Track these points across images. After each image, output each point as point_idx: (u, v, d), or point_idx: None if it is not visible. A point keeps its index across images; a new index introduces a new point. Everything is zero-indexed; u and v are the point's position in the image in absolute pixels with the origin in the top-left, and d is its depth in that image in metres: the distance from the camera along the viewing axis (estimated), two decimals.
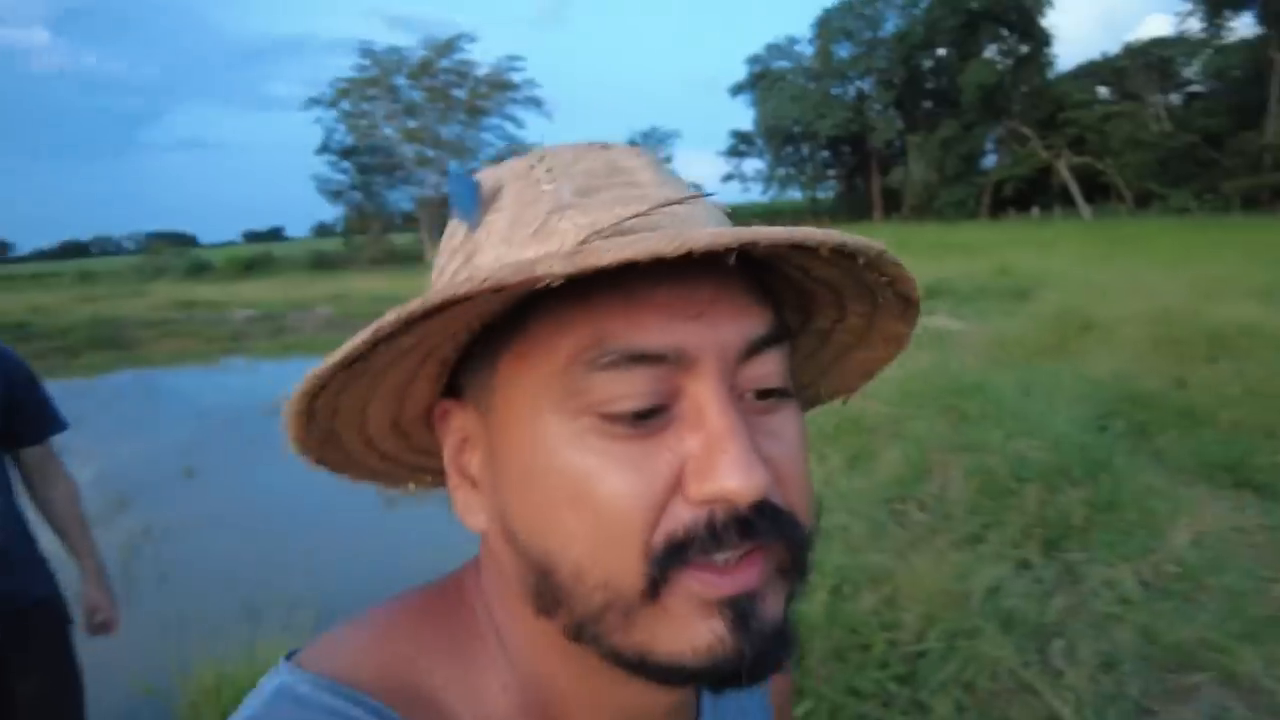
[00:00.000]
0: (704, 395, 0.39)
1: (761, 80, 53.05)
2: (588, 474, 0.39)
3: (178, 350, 15.69)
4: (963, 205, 43.27)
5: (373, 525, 5.78)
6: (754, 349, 0.41)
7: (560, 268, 0.34)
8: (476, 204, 0.45)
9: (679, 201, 0.43)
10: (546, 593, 0.41)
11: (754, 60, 53.98)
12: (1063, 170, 42.70)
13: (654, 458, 0.39)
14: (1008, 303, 9.98)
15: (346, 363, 0.38)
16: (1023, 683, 2.30)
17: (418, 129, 41.10)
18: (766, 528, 0.39)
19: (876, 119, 49.38)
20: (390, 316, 0.36)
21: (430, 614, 0.49)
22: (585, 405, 0.39)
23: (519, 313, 0.41)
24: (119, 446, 8.96)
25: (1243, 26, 39.50)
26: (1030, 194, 45.14)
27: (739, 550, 0.39)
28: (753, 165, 58.98)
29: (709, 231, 0.35)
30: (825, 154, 55.55)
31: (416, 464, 0.54)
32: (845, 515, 3.32)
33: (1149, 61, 41.31)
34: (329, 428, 0.46)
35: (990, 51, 45.96)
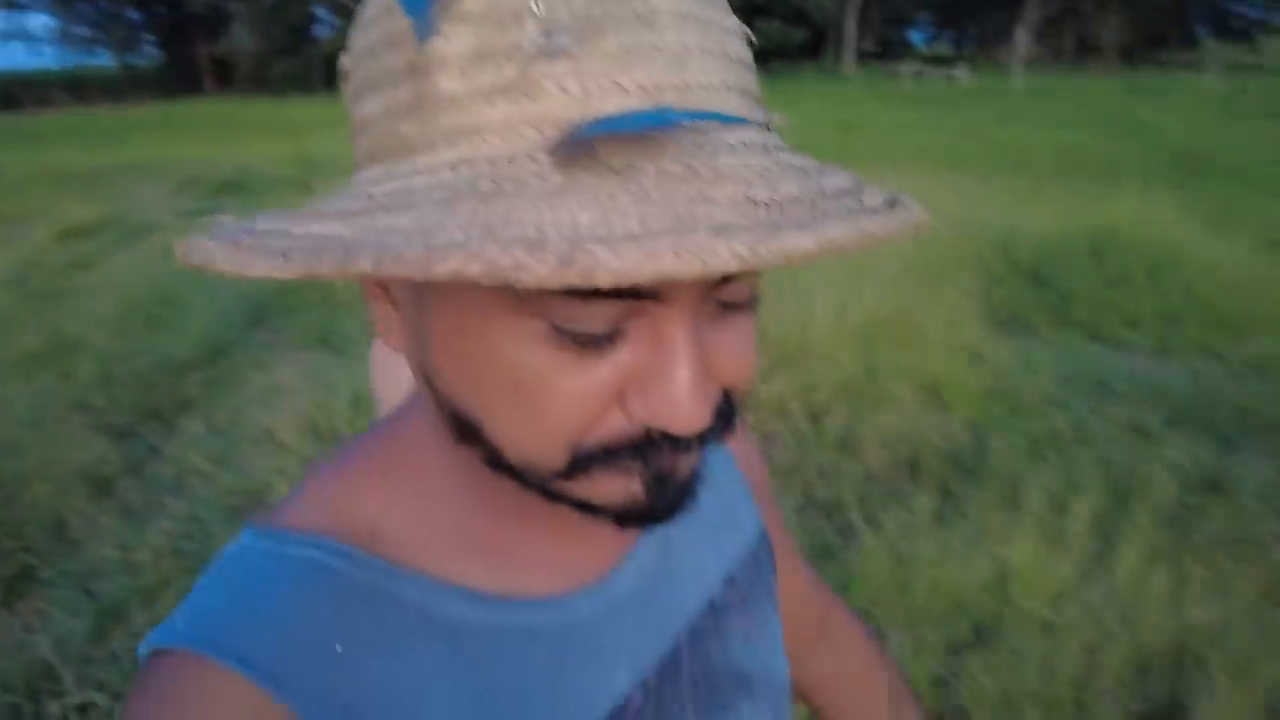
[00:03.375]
0: (669, 327, 0.35)
1: None
2: (531, 373, 0.36)
3: None
4: (296, 78, 41.61)
5: None
6: (732, 274, 0.35)
7: (545, 271, 0.27)
8: None
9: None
10: (466, 432, 0.40)
11: None
12: None
13: (599, 367, 0.36)
14: (292, 196, 9.22)
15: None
16: None
17: None
18: (698, 441, 0.39)
19: None
20: (329, 264, 0.29)
21: (373, 452, 0.48)
22: (540, 311, 0.34)
23: None
24: None
25: None
26: None
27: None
28: (41, 22, 46.68)
29: (783, 247, 0.28)
30: (135, 14, 45.15)
31: None
32: None
33: None
34: None
35: None
